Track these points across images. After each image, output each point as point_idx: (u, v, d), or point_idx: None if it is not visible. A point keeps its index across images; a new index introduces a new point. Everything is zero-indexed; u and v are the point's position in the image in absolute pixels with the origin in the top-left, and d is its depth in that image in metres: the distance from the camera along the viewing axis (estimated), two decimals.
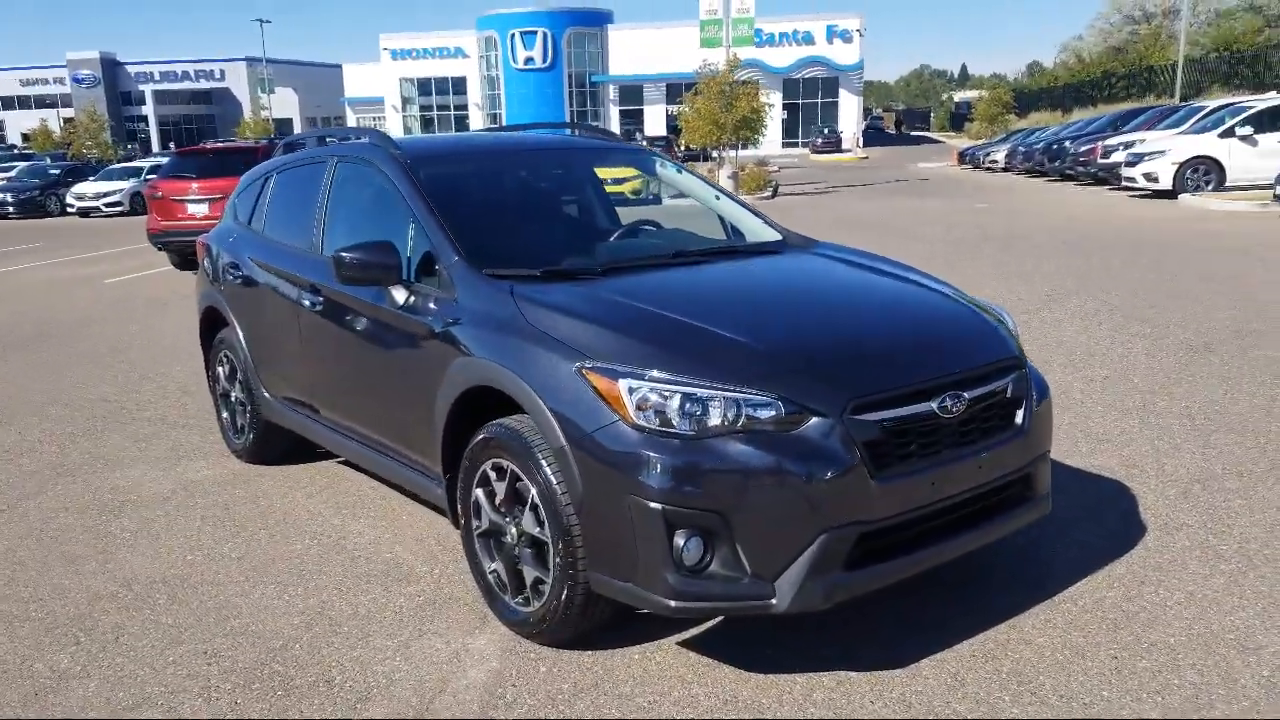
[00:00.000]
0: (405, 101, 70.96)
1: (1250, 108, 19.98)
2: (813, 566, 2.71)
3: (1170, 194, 19.70)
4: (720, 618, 3.30)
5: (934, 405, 2.90)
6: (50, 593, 3.86)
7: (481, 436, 3.26)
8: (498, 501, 3.30)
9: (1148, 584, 3.49)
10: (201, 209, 13.64)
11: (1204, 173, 19.71)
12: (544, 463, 2.98)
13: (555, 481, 2.95)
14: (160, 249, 14.14)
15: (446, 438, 3.47)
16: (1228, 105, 21.64)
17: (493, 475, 3.26)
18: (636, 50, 64.30)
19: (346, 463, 5.29)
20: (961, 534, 3.04)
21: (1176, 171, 19.73)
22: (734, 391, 2.76)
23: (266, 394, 4.99)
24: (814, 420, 2.75)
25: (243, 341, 5.07)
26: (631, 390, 2.79)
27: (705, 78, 28.26)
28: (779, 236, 4.24)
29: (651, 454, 2.71)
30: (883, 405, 2.84)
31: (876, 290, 3.62)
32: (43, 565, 4.13)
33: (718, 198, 4.55)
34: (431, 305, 3.56)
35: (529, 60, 64.66)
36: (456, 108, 70.19)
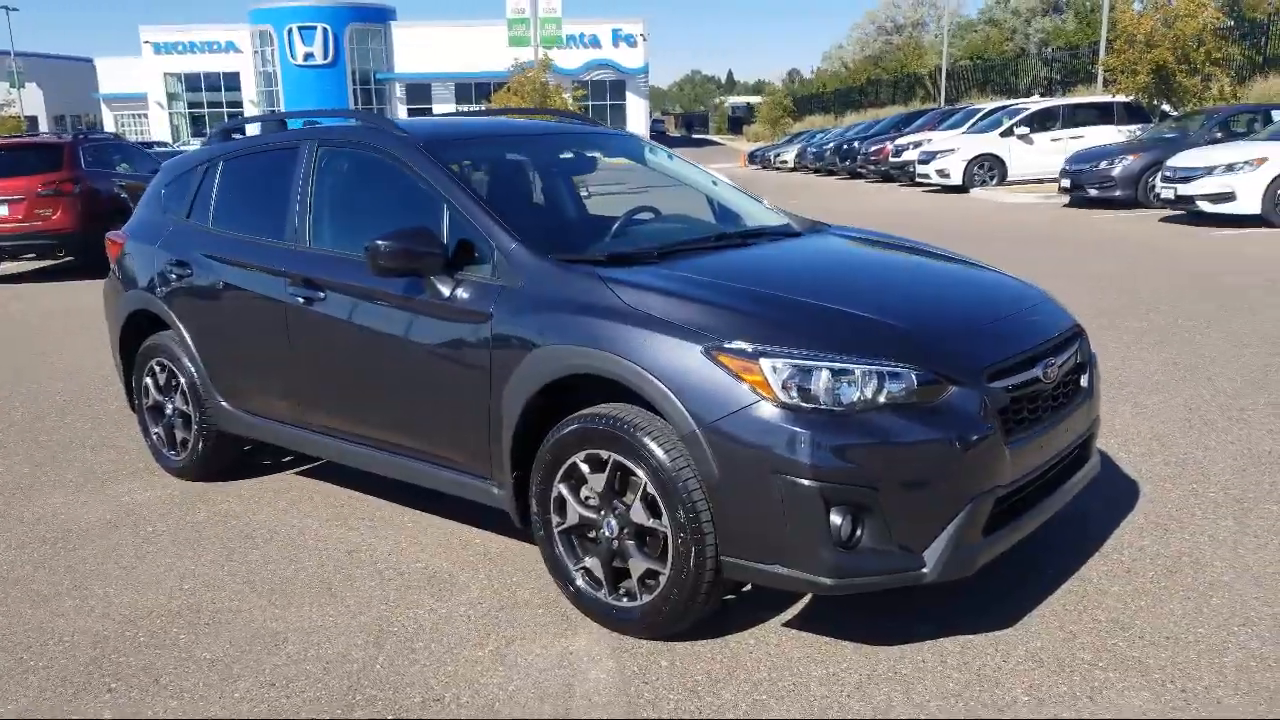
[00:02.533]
0: (171, 98, 66.40)
1: (1025, 109, 22.00)
2: (958, 534, 2.78)
3: (961, 189, 21.35)
4: (806, 597, 3.32)
5: (1039, 372, 3.05)
6: (40, 638, 3.37)
7: (573, 429, 3.12)
8: (587, 495, 3.17)
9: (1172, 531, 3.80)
10: None
11: (989, 168, 21.52)
12: (661, 450, 2.89)
13: (678, 468, 2.87)
14: None
15: (518, 434, 3.30)
16: (1004, 107, 23.72)
17: (585, 468, 3.13)
18: (423, 49, 63.02)
19: (308, 472, 4.93)
20: (1052, 495, 3.20)
21: (965, 168, 21.44)
22: (876, 365, 2.78)
23: (225, 404, 4.56)
24: (954, 390, 2.82)
25: (192, 348, 4.60)
26: (775, 369, 2.76)
27: (518, 76, 28.07)
28: (787, 219, 4.30)
29: (803, 432, 2.69)
30: (1008, 372, 2.95)
31: (938, 267, 3.75)
32: (9, 609, 3.60)
33: (715, 184, 4.55)
34: (485, 295, 3.38)
35: (309, 56, 62.07)
36: (229, 104, 66.22)
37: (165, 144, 40.52)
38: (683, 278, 3.22)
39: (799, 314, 3.00)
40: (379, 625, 3.35)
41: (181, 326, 4.62)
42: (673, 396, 2.85)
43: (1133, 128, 19.95)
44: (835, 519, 2.71)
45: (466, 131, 4.36)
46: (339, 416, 4.05)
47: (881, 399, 2.76)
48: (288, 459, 5.13)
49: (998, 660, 2.96)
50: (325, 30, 61.79)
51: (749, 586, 3.37)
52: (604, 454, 3.06)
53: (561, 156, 4.58)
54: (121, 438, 5.68)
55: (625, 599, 3.12)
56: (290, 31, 61.60)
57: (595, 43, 65.02)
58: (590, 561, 3.19)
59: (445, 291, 3.46)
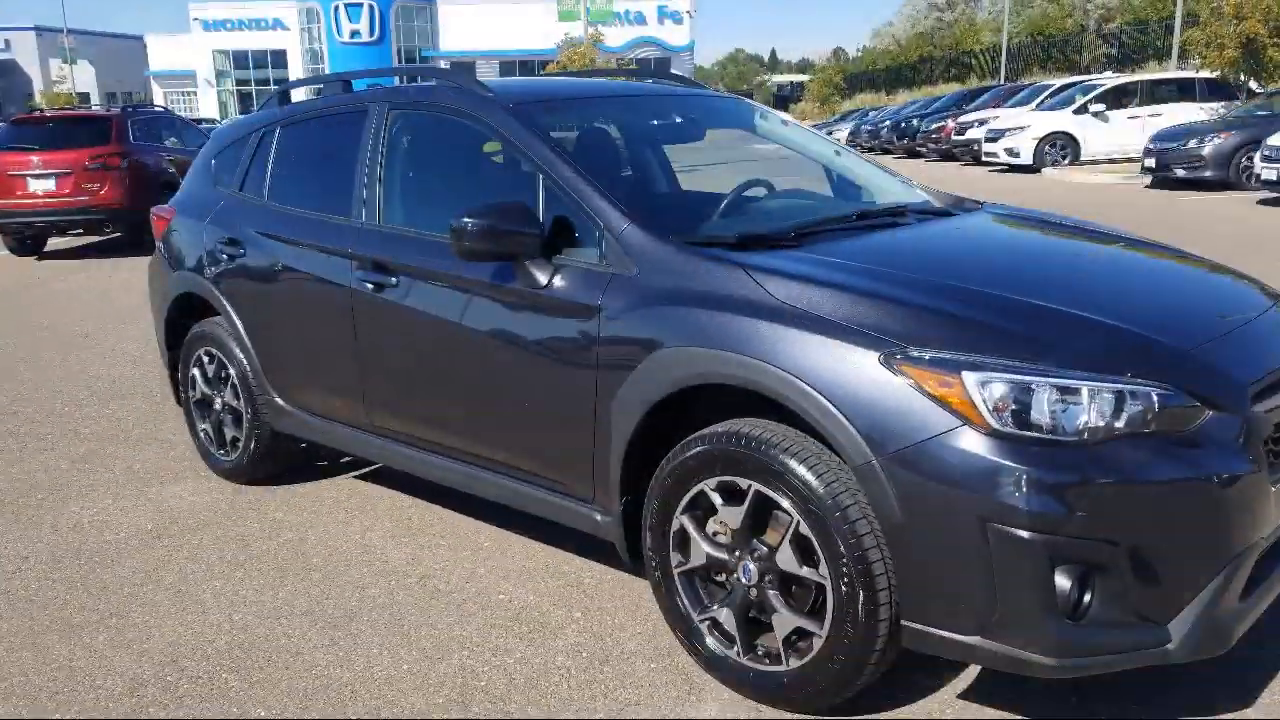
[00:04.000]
0: (220, 75, 66.63)
1: (1100, 85, 20.99)
2: (1214, 599, 2.17)
3: (1031, 168, 20.42)
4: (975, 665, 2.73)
5: None
6: (68, 682, 2.88)
7: (702, 450, 2.55)
8: (716, 531, 2.61)
9: None
10: (45, 185, 11.88)
11: (1060, 147, 20.56)
12: (822, 482, 2.31)
13: (842, 505, 2.29)
14: None
15: (630, 451, 2.74)
16: (1076, 84, 22.68)
17: (716, 499, 2.56)
18: (468, 26, 62.67)
19: (368, 477, 4.42)
20: None
21: (1036, 146, 20.50)
22: (1112, 382, 2.18)
23: (280, 400, 4.05)
24: (1212, 415, 2.20)
25: (244, 337, 4.09)
26: (983, 384, 2.16)
27: (569, 52, 27.44)
28: (926, 195, 3.67)
29: (1022, 468, 2.10)
30: (1267, 393, 2.33)
31: (1143, 258, 3.12)
32: (36, 642, 3.12)
33: (838, 154, 3.94)
34: (591, 284, 2.82)
35: (355, 34, 61.99)
36: (277, 82, 66.20)
37: (214, 121, 40.45)
38: (839, 265, 2.63)
39: (1002, 313, 2.40)
40: (462, 678, 2.81)
41: (232, 312, 4.11)
42: (841, 416, 2.27)
43: (1215, 105, 18.90)
44: (1061, 581, 2.11)
45: (561, 92, 3.77)
46: (411, 421, 3.51)
47: (1119, 425, 2.15)
48: (345, 460, 4.62)
49: None
50: (372, 7, 61.59)
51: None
52: (742, 482, 2.49)
53: (666, 122, 3.99)
54: (166, 431, 5.21)
55: (767, 661, 2.55)
56: (337, 9, 61.46)
57: (640, 19, 64.05)
58: (721, 612, 2.62)
59: (542, 279, 2.90)
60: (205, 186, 4.42)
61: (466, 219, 2.86)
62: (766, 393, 2.39)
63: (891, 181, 3.79)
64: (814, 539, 2.35)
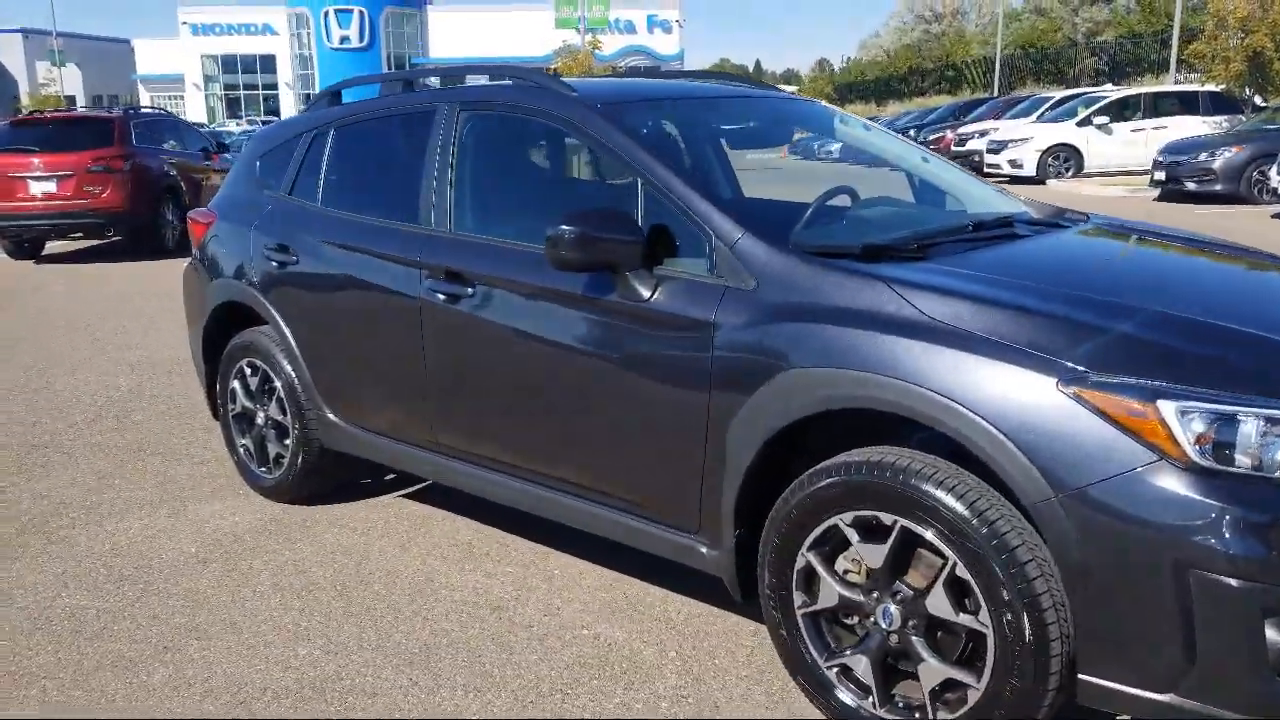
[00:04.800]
0: (208, 80, 66.25)
1: (1104, 98, 20.97)
2: None
3: (1035, 180, 20.35)
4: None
5: None
6: None
7: (837, 480, 2.34)
8: (848, 569, 2.41)
9: None
10: (46, 188, 11.59)
11: (1064, 160, 20.51)
12: (985, 521, 2.11)
13: (1010, 546, 2.09)
14: None
15: (748, 481, 2.54)
16: (1078, 96, 22.68)
17: (852, 534, 2.35)
18: (457, 33, 62.57)
19: (417, 495, 4.20)
20: None
21: (1040, 158, 20.45)
22: None
23: (331, 415, 3.82)
24: None
25: (293, 348, 3.86)
26: (1182, 414, 1.97)
27: (566, 59, 27.28)
28: (1024, 206, 3.49)
29: (1231, 508, 1.90)
30: None
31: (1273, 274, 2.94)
32: (88, 681, 2.88)
33: (926, 160, 3.75)
34: (703, 298, 2.61)
35: (344, 39, 61.80)
36: (265, 87, 66.18)
37: (201, 125, 40.05)
38: (986, 279, 2.44)
39: (1183, 335, 2.21)
40: None
41: (281, 322, 3.89)
42: (1013, 448, 2.07)
43: (1219, 119, 18.90)
44: (1273, 635, 1.92)
45: (645, 92, 3.56)
46: (485, 441, 3.29)
47: None
48: (390, 478, 4.40)
49: None
50: (362, 14, 61.40)
51: None
52: (885, 517, 2.28)
53: (753, 125, 3.80)
54: (195, 444, 4.97)
55: (907, 714, 2.34)
56: (327, 14, 61.26)
57: (630, 29, 64.06)
58: (854, 659, 2.41)
59: (644, 292, 2.70)
60: (250, 190, 4.19)
61: (565, 226, 2.65)
62: (922, 420, 2.19)
63: (985, 190, 3.60)
64: (973, 582, 2.15)
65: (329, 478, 4.11)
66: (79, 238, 12.70)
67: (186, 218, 4.56)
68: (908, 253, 2.65)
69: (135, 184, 11.90)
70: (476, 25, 62.08)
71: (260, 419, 4.13)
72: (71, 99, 66.21)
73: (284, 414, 4.00)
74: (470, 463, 3.36)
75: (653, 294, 2.69)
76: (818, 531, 2.40)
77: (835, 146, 4.29)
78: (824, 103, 4.09)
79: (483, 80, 3.67)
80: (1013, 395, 2.08)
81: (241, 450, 4.26)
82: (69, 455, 4.87)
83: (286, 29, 63.41)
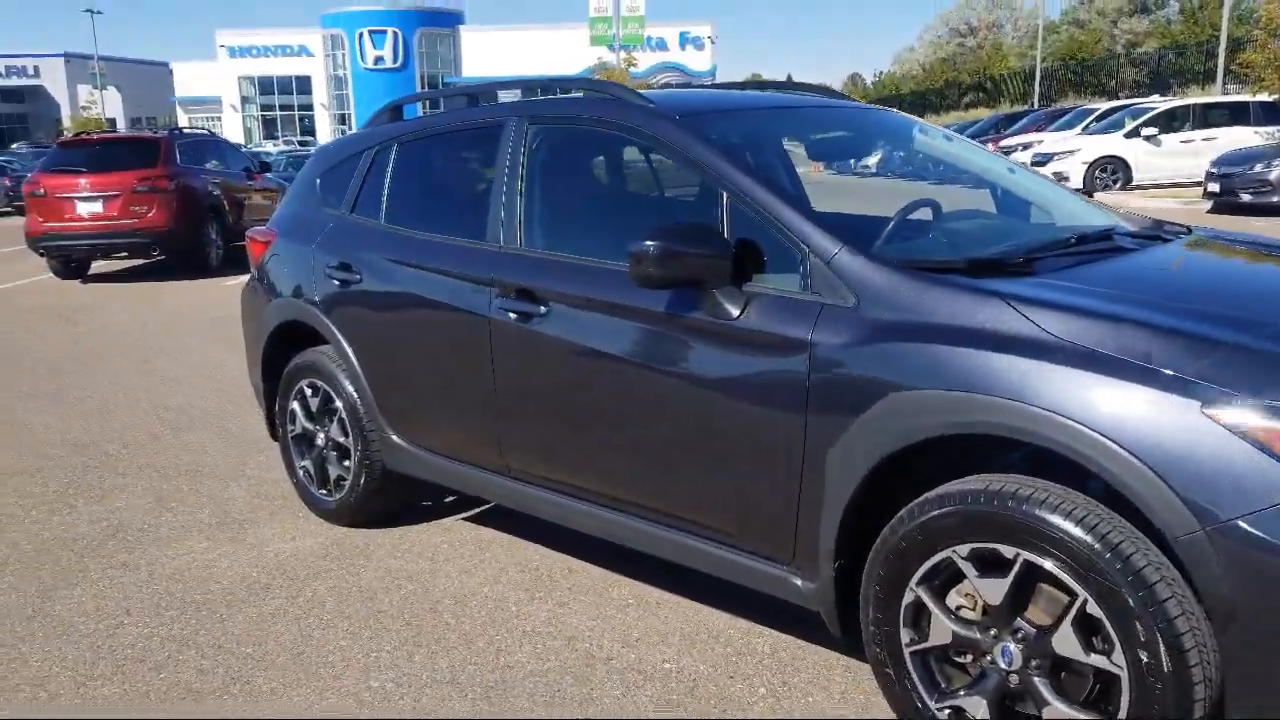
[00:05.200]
0: (245, 101, 67.30)
1: (1152, 109, 20.63)
2: None
3: (1082, 193, 20.02)
4: None
5: None
6: None
7: (951, 510, 2.20)
8: (960, 605, 2.26)
9: None
10: (93, 208, 11.69)
11: (1111, 172, 20.18)
12: (1115, 555, 1.96)
13: (1149, 582, 1.94)
14: (42, 254, 12.05)
15: (851, 510, 2.40)
16: (1124, 107, 22.35)
17: (968, 568, 2.21)
18: (490, 53, 63.16)
19: (475, 519, 4.09)
20: None
21: (1087, 170, 20.13)
22: None
23: (395, 437, 3.73)
24: None
25: (356, 368, 3.78)
26: None
27: (603, 76, 27.31)
28: (1118, 218, 3.33)
29: None
30: None
31: None
32: (152, 710, 2.79)
33: (1012, 171, 3.61)
34: (798, 316, 2.48)
35: (379, 60, 62.66)
36: (301, 108, 67.15)
37: (239, 145, 40.48)
38: (1108, 295, 2.29)
39: None
40: None
41: (344, 342, 3.80)
42: (1155, 477, 1.92)
43: (1271, 129, 18.50)
44: None
45: (724, 103, 3.44)
46: (558, 465, 3.17)
47: None
48: (450, 499, 4.30)
49: None
50: (396, 34, 62.18)
51: None
52: (1006, 550, 2.13)
53: (836, 135, 3.67)
54: (251, 465, 4.91)
55: None
56: (361, 36, 62.10)
57: (662, 45, 64.27)
58: (969, 701, 2.25)
59: (733, 310, 2.57)
60: (310, 208, 4.12)
61: (649, 241, 2.54)
62: (1052, 447, 2.04)
63: (1075, 201, 3.45)
64: (1105, 620, 2.00)
65: (390, 500, 4.02)
66: (124, 257, 12.79)
67: (246, 236, 4.47)
68: (1014, 267, 2.51)
69: (180, 204, 11.97)
70: (509, 44, 62.59)
71: (321, 440, 4.04)
72: (113, 121, 67.48)
73: (345, 435, 3.91)
74: (542, 487, 3.24)
75: (741, 312, 2.56)
76: (929, 565, 2.26)
77: (873, 160, 4.14)
78: (899, 112, 3.95)
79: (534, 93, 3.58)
80: (1153, 421, 1.94)
81: (301, 472, 4.18)
82: (124, 477, 4.81)
83: (321, 50, 64.34)
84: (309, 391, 4.04)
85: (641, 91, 3.17)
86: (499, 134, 3.37)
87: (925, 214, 3.26)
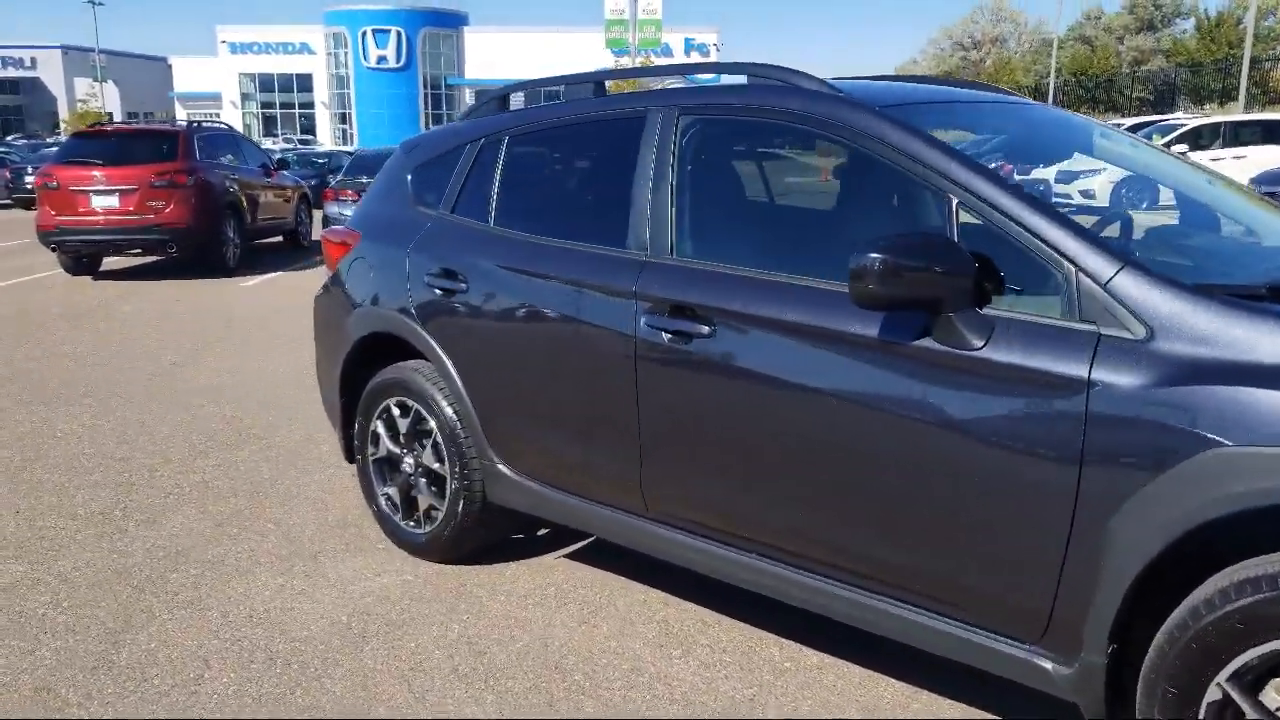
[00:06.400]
0: (245, 98, 66.65)
1: (1181, 126, 20.37)
2: None
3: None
4: None
5: None
6: None
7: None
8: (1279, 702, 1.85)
9: None
10: (108, 202, 11.21)
11: (1138, 190, 19.86)
12: None
13: None
14: (53, 249, 11.56)
15: (1135, 589, 1.99)
16: (1151, 123, 22.09)
17: None
18: (493, 54, 62.84)
19: (574, 556, 3.68)
20: None
21: (1114, 189, 19.80)
22: None
23: (502, 466, 3.31)
24: None
25: (459, 387, 3.35)
26: None
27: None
28: None
29: None
30: None
31: None
32: None
33: (1210, 183, 3.21)
34: (1068, 349, 2.06)
35: (381, 59, 62.20)
36: (301, 105, 66.58)
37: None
38: None
39: None
40: None
41: (444, 357, 3.38)
42: None
43: None
44: None
45: (921, 96, 3.01)
46: (724, 512, 2.74)
47: None
48: (543, 532, 3.89)
49: None
50: (399, 33, 61.71)
51: None
52: None
53: (1042, 135, 3.25)
54: (310, 485, 4.47)
55: None
56: (364, 34, 61.60)
57: (667, 51, 63.83)
58: None
59: (975, 339, 2.16)
60: (401, 207, 3.69)
61: (875, 255, 2.13)
62: None
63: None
64: None
65: (489, 535, 3.60)
66: (137, 254, 12.31)
67: (322, 237, 4.04)
68: None
69: (199, 200, 11.50)
70: (513, 46, 62.29)
71: (409, 466, 3.62)
72: (110, 115, 66.86)
73: (441, 462, 3.49)
74: (694, 534, 2.82)
75: (985, 341, 2.15)
76: (1247, 658, 1.85)
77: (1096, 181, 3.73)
78: (1077, 114, 3.55)
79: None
80: None
81: (383, 499, 3.75)
82: (172, 496, 4.37)
83: (323, 48, 63.82)
84: (397, 411, 3.61)
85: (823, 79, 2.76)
86: (640, 127, 2.96)
87: (1116, 229, 2.88)
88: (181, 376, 6.68)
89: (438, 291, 3.38)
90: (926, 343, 2.23)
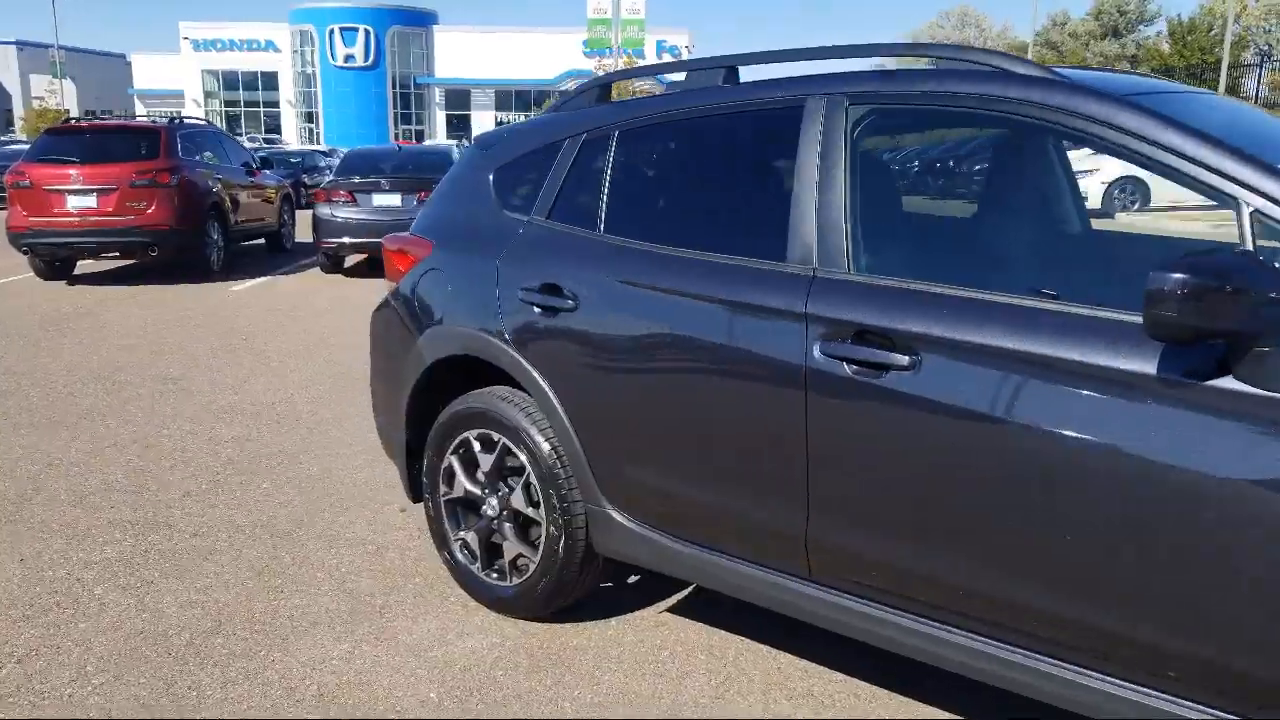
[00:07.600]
0: (208, 96, 65.35)
1: None
2: None
3: (1102, 213, 19.56)
4: None
5: None
6: None
7: None
8: None
9: None
10: (85, 202, 10.56)
11: (1130, 192, 19.73)
12: None
13: None
14: (25, 252, 10.87)
15: None
16: None
17: None
18: (463, 54, 62.22)
19: (679, 611, 3.22)
20: None
21: (1106, 191, 19.68)
22: None
23: (614, 512, 2.84)
24: None
25: (563, 420, 2.88)
26: None
27: None
28: None
29: None
30: None
31: None
32: None
33: None
34: None
35: (349, 58, 61.29)
36: (267, 104, 65.39)
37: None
38: None
39: None
40: None
41: (545, 386, 2.90)
42: None
43: None
44: None
45: (1145, 87, 2.60)
46: (924, 579, 2.28)
47: None
48: (633, 578, 3.43)
49: None
50: (367, 32, 60.84)
51: None
52: None
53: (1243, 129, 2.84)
54: (355, 525, 3.97)
55: None
56: (332, 32, 60.68)
57: (639, 54, 63.58)
58: None
59: None
60: (484, 212, 3.21)
61: (1177, 275, 1.70)
62: None
63: None
64: None
65: (586, 589, 3.13)
66: (114, 257, 11.65)
67: (383, 245, 3.54)
68: None
69: (182, 200, 10.89)
70: (483, 46, 61.69)
71: (492, 509, 3.13)
72: (67, 113, 65.20)
73: (534, 505, 3.01)
74: (874, 600, 2.37)
75: None
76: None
77: None
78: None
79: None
80: None
81: (458, 546, 3.26)
82: (200, 538, 3.85)
83: (289, 46, 62.77)
84: (478, 446, 3.13)
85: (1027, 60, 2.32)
86: (796, 118, 2.51)
87: None
88: (184, 394, 6.12)
89: (536, 310, 2.91)
90: (1226, 383, 1.80)
